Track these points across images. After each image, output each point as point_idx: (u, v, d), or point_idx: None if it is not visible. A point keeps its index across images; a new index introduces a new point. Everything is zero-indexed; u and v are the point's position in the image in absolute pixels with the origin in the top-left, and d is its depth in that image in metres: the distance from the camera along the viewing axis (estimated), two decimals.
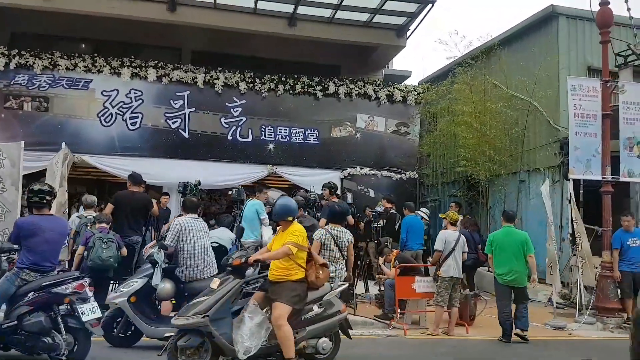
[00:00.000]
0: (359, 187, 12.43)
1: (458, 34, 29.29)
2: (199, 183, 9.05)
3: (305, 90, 12.35)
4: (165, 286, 5.62)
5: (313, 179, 11.86)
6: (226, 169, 11.77)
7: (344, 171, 12.35)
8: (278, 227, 5.20)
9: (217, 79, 11.87)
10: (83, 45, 13.19)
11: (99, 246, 6.46)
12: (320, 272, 4.98)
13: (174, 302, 6.03)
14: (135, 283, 5.65)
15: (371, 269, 10.22)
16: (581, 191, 9.33)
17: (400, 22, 12.96)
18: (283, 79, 12.25)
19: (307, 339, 4.94)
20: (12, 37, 12.60)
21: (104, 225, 6.86)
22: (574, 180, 8.89)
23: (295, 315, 4.79)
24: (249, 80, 12.07)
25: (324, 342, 5.03)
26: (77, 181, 12.85)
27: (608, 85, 8.74)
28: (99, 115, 11.36)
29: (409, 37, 13.35)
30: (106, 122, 11.39)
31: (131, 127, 11.48)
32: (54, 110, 11.24)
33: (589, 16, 10.23)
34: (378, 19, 12.75)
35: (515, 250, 7.14)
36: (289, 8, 12.29)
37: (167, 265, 5.65)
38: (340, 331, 5.28)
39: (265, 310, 4.82)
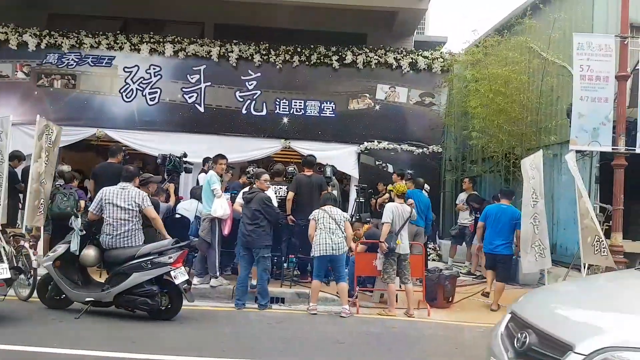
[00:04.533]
0: (377, 162, 11.90)
1: None
2: (185, 155, 9.13)
3: (322, 60, 11.94)
4: (89, 252, 5.75)
5: (329, 153, 11.58)
6: (240, 144, 11.70)
7: (361, 145, 11.86)
8: None
9: (232, 51, 11.82)
10: (112, 24, 13.68)
11: (59, 198, 7.45)
12: None
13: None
14: (59, 248, 5.81)
15: None
16: (597, 165, 8.22)
17: None
18: (299, 49, 11.94)
19: None
20: (50, 18, 13.34)
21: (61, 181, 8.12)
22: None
23: None
24: (264, 52, 11.90)
25: None
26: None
27: (626, 42, 7.53)
28: (121, 91, 11.81)
29: None
30: (127, 98, 11.82)
31: (150, 102, 11.83)
32: (81, 87, 11.85)
33: None
34: None
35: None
36: None
37: (83, 232, 5.72)
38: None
39: None
